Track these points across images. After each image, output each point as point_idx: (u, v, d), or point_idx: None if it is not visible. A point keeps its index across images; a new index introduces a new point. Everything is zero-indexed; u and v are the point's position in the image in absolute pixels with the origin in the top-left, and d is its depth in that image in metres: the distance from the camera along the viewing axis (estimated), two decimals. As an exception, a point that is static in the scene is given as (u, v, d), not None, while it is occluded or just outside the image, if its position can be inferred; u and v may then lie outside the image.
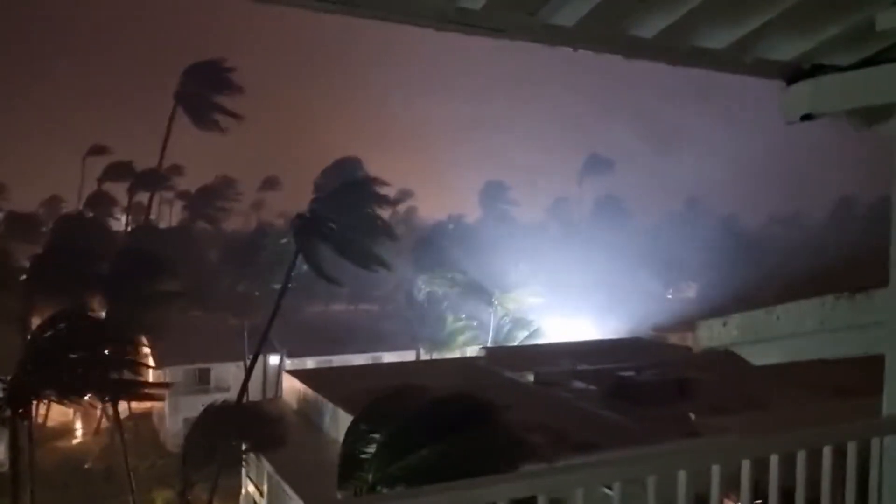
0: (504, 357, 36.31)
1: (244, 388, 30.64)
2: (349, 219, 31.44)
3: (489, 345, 48.83)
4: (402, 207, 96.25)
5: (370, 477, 14.56)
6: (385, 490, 14.37)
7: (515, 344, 48.11)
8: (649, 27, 3.52)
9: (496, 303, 53.73)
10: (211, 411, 26.79)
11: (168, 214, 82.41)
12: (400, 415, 15.19)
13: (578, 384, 30.39)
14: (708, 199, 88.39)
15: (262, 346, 32.34)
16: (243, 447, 26.88)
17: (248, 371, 32.49)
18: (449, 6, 3.26)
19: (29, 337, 27.29)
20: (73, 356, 26.32)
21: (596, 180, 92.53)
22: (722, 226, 72.32)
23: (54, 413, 43.60)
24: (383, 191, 33.89)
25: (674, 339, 47.46)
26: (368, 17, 3.22)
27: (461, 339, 51.96)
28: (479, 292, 53.78)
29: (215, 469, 26.52)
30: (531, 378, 30.86)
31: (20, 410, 25.07)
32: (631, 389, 28.04)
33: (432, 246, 56.71)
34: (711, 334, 5.30)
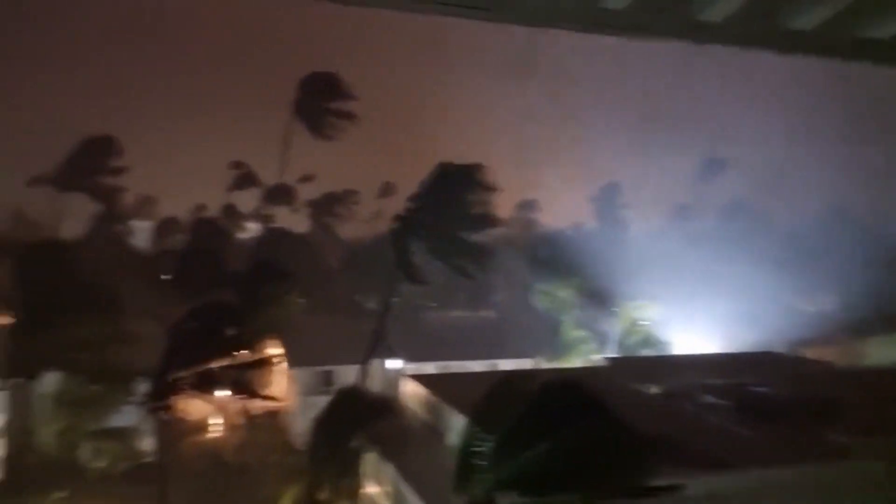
0: (627, 367, 35.35)
1: (361, 387, 31.39)
2: (446, 214, 30.65)
3: (610, 355, 47.72)
4: (522, 215, 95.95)
5: (485, 482, 14.39)
6: (501, 497, 14.19)
7: (638, 354, 46.69)
8: (808, 18, 3.31)
9: (617, 312, 52.50)
10: (332, 408, 27.62)
11: (294, 222, 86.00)
12: (511, 413, 14.83)
13: (708, 398, 29.07)
14: (852, 202, 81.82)
15: (374, 348, 32.91)
16: (363, 443, 27.52)
17: (363, 371, 33.18)
18: (592, 7, 3.20)
19: (169, 335, 29.18)
20: (209, 354, 27.94)
21: (719, 182, 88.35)
22: (868, 232, 67.05)
23: (195, 408, 46.40)
24: (487, 189, 32.16)
25: (812, 354, 44.56)
26: (512, 23, 3.20)
27: (581, 348, 51.09)
28: (600, 301, 52.73)
29: (338, 467, 27.32)
30: (656, 390, 29.84)
31: (163, 404, 26.87)
32: (765, 406, 26.51)
33: (552, 253, 56.18)
34: (883, 352, 4.88)
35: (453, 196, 30.85)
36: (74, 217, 58.52)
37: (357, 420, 26.95)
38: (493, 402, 15.42)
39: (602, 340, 51.65)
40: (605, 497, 12.97)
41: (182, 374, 26.72)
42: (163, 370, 26.46)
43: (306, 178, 74.37)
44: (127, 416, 35.40)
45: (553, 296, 53.36)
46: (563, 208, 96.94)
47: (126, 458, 38.47)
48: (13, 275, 30.01)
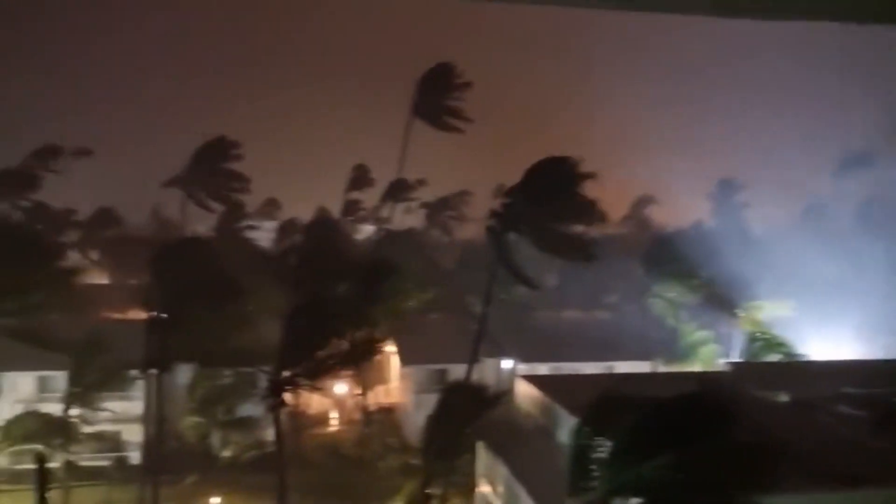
0: (752, 373, 33.58)
1: (472, 383, 31.41)
2: (548, 206, 29.66)
3: (733, 359, 45.54)
4: (638, 213, 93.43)
5: (602, 486, 14.05)
6: (618, 502, 13.79)
7: (764, 360, 44.24)
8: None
9: (741, 314, 50.03)
10: (444, 403, 27.83)
11: (409, 222, 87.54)
12: (628, 418, 14.38)
13: (844, 408, 27.16)
14: None
15: (478, 347, 32.74)
16: (476, 439, 27.60)
17: (469, 370, 33.09)
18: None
19: (287, 331, 30.32)
20: (325, 351, 28.84)
21: (856, 177, 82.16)
22: None
23: (314, 403, 48.20)
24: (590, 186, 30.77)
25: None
26: (643, 10, 3.02)
27: (701, 351, 49.06)
28: (722, 303, 50.43)
29: (451, 464, 27.54)
30: (785, 399, 28.16)
31: (282, 398, 28.00)
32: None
33: (670, 252, 54.17)
34: None
35: (553, 189, 29.93)
36: (202, 218, 62.25)
37: (468, 413, 27.04)
38: (610, 406, 15.02)
39: (725, 344, 49.41)
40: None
41: (300, 369, 27.74)
42: (282, 365, 27.57)
43: (421, 182, 75.52)
44: (252, 408, 37.18)
45: (672, 297, 51.57)
46: (682, 206, 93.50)
47: (250, 447, 40.45)
48: (151, 271, 32.07)
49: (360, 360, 31.30)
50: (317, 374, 28.95)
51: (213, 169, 52.59)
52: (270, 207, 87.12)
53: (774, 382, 29.68)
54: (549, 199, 29.63)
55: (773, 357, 44.12)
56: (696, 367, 46.48)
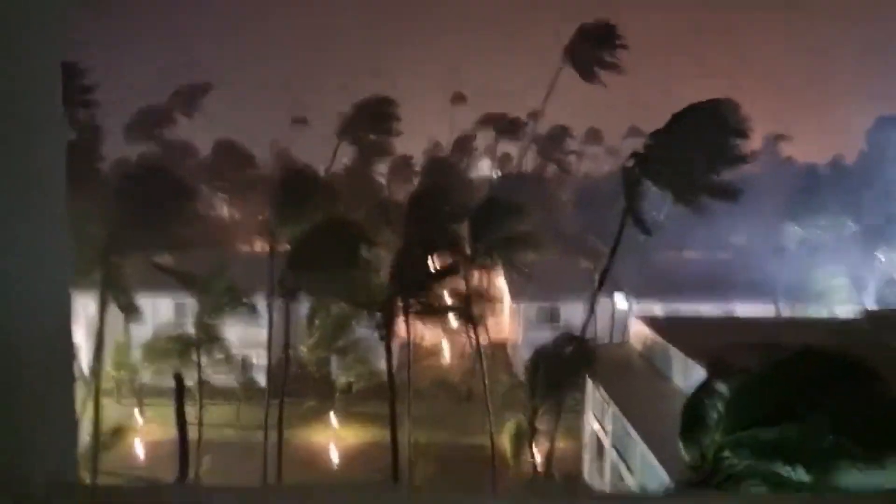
0: (892, 323, 31.23)
1: (585, 328, 31.11)
2: (689, 150, 28.23)
3: (869, 306, 42.61)
4: (771, 148, 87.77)
5: (716, 437, 13.55)
6: (730, 456, 13.26)
7: (904, 308, 41.10)
8: None
9: (882, 258, 46.55)
10: (555, 345, 27.75)
11: (528, 160, 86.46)
12: (754, 369, 13.66)
13: None
14: None
15: (600, 288, 32.21)
16: (584, 380, 27.45)
17: (591, 309, 32.81)
18: None
19: (400, 265, 30.86)
20: (438, 284, 29.24)
21: None
22: None
23: (428, 335, 49.43)
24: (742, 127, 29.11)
25: None
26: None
27: (834, 297, 46.17)
28: (861, 245, 47.03)
29: (559, 400, 27.56)
30: (924, 349, 26.06)
31: (395, 330, 28.77)
32: None
33: (806, 191, 50.84)
34: None
35: (699, 134, 28.37)
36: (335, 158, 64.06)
37: (582, 361, 26.87)
38: (735, 357, 14.36)
39: (860, 289, 46.23)
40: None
41: (412, 301, 28.32)
42: (394, 298, 28.24)
43: (535, 114, 73.72)
44: (368, 339, 38.57)
45: (805, 238, 48.55)
46: (820, 142, 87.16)
47: (365, 376, 42.16)
48: (274, 206, 33.39)
49: (476, 297, 31.60)
50: (432, 308, 29.54)
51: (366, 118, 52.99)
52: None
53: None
54: (695, 145, 28.09)
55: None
56: (823, 314, 43.90)
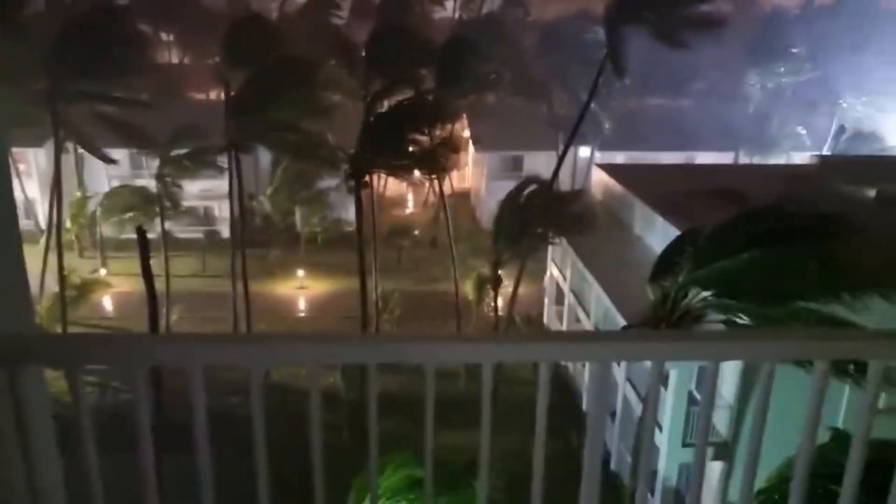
0: (840, 167, 32.05)
1: (554, 177, 31.36)
2: None
3: (822, 153, 43.56)
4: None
5: (681, 277, 14.25)
6: (698, 291, 14.01)
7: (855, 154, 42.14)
8: None
9: (843, 106, 47.00)
10: (520, 194, 27.97)
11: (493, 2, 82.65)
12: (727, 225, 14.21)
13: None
14: None
15: (573, 137, 32.23)
16: (548, 230, 27.99)
17: (560, 160, 32.94)
18: None
19: (365, 114, 30.20)
20: (404, 133, 28.78)
21: None
22: None
23: (391, 186, 49.39)
24: None
25: None
26: None
27: (789, 143, 46.98)
28: (822, 93, 47.27)
29: (523, 248, 28.23)
30: (872, 194, 27.04)
31: (362, 181, 28.56)
32: None
33: (770, 33, 50.00)
34: None
35: None
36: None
37: (545, 210, 27.17)
38: (696, 206, 14.86)
39: (815, 138, 47.03)
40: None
41: (378, 152, 27.95)
42: (360, 148, 27.81)
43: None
44: (332, 187, 38.36)
45: (765, 83, 48.50)
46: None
47: (329, 225, 42.37)
48: (223, 50, 31.78)
49: (439, 146, 31.25)
50: (397, 158, 29.22)
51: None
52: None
53: (862, 176, 28.34)
54: None
55: (865, 151, 41.96)
56: (780, 160, 44.83)
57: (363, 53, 37.67)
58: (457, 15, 68.33)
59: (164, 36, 60.70)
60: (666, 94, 56.47)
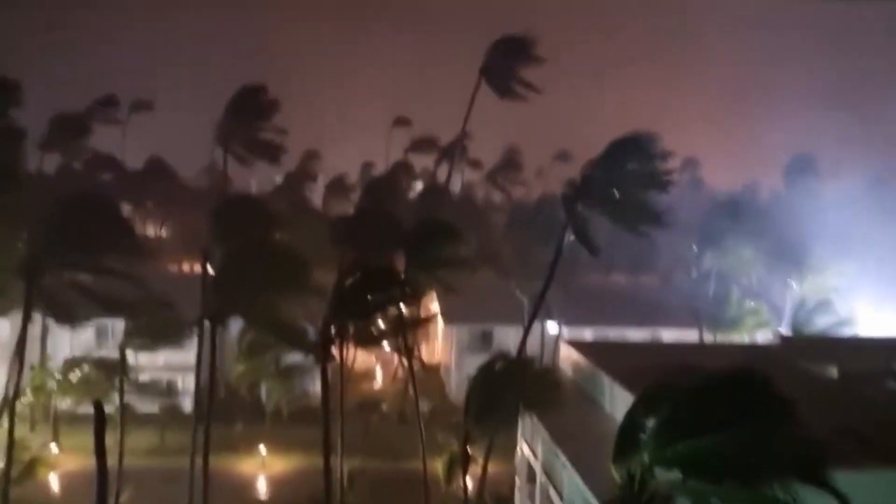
0: (802, 346, 32.97)
1: (520, 351, 31.59)
2: (622, 178, 29.99)
3: (783, 331, 44.65)
4: (687, 175, 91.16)
5: (646, 457, 14.06)
6: (662, 471, 13.80)
7: (816, 333, 43.22)
8: None
9: (793, 283, 48.85)
10: (490, 368, 28.00)
11: (460, 181, 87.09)
12: (680, 396, 14.30)
13: (893, 384, 26.51)
14: None
15: (537, 313, 32.85)
16: (518, 406, 27.78)
17: (525, 334, 33.34)
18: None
19: (335, 289, 30.64)
20: (372, 308, 29.16)
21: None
22: None
23: (360, 359, 49.08)
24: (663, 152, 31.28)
25: None
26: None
27: (751, 321, 48.18)
28: (775, 270, 49.32)
29: (493, 424, 27.79)
30: (834, 373, 27.60)
31: (328, 354, 28.49)
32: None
33: (721, 218, 52.87)
34: None
35: (630, 162, 30.26)
36: (260, 173, 62.80)
37: (516, 385, 27.18)
38: (664, 382, 14.92)
39: (775, 314, 48.40)
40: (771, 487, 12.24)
41: (346, 326, 28.13)
42: (329, 322, 28.00)
43: (467, 136, 74.24)
44: (299, 361, 38.02)
45: (721, 263, 50.50)
46: (735, 168, 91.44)
47: (296, 400, 41.49)
48: (209, 226, 32.63)
49: (408, 322, 31.63)
50: (365, 333, 29.41)
51: (248, 121, 50.10)
52: (312, 160, 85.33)
53: (823, 356, 29.05)
54: (631, 171, 29.99)
55: (824, 329, 43.02)
56: (743, 338, 45.76)
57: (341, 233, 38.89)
58: (424, 191, 71.21)
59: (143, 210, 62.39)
60: (629, 270, 58.60)
